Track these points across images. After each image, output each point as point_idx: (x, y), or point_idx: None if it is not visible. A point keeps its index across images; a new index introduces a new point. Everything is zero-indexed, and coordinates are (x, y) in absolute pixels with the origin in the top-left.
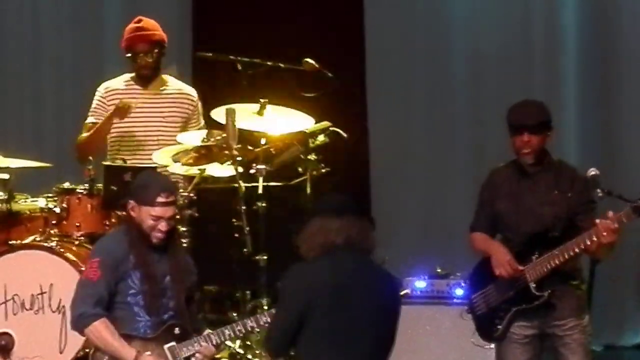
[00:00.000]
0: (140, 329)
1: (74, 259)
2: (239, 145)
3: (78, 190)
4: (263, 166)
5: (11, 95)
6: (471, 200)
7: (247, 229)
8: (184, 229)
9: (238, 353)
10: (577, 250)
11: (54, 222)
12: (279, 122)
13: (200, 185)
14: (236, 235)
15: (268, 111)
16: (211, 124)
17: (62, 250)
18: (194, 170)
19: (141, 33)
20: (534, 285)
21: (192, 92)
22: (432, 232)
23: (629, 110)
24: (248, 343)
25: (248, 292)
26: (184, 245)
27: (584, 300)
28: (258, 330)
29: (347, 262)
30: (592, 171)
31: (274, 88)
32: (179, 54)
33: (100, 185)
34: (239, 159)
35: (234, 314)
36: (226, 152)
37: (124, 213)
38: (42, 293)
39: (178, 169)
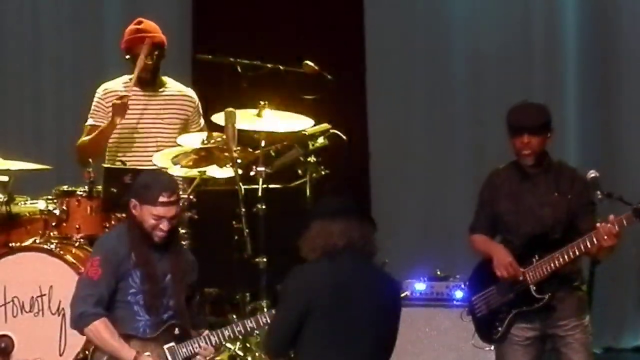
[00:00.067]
0: (140, 328)
1: (74, 261)
2: (239, 148)
3: (78, 193)
4: (263, 168)
5: (11, 96)
6: (471, 201)
7: (247, 231)
8: (183, 231)
9: (238, 355)
10: (577, 252)
11: (53, 224)
12: (279, 123)
13: (200, 188)
14: (236, 237)
15: (267, 114)
16: (211, 127)
17: (61, 252)
18: (193, 172)
19: (141, 35)
20: (534, 287)
21: (192, 93)
22: (432, 234)
23: (629, 110)
24: (248, 345)
25: (248, 294)
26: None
27: (585, 301)
28: (257, 332)
29: (347, 264)
30: (592, 173)
31: (273, 90)
32: (178, 56)
33: (100, 187)
34: (238, 161)
35: (234, 316)
36: (226, 153)
37: (123, 215)
38: (41, 295)
39: (178, 171)
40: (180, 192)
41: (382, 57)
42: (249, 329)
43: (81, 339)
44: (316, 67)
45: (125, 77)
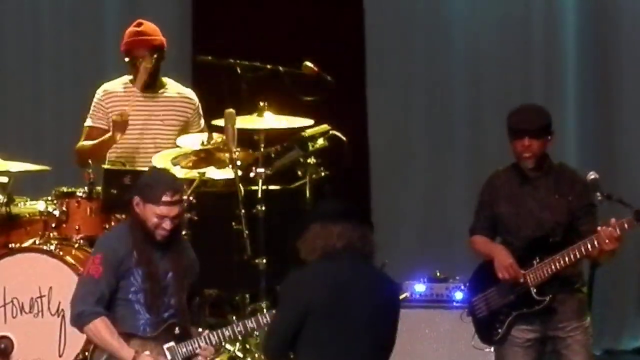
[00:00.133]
0: (140, 327)
1: (73, 262)
2: (239, 149)
3: (77, 194)
4: (263, 170)
5: (11, 97)
6: (471, 202)
7: (247, 232)
8: (183, 232)
9: (237, 356)
10: (578, 255)
11: (53, 225)
12: (279, 124)
13: (200, 189)
14: (235, 238)
15: (267, 116)
16: (212, 129)
17: (61, 253)
18: (193, 174)
19: (141, 38)
20: (534, 290)
21: (192, 95)
22: (432, 235)
23: (629, 111)
24: (247, 346)
25: (247, 295)
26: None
27: (585, 303)
28: (257, 333)
29: (346, 265)
30: (592, 175)
31: (273, 91)
32: (178, 57)
33: (99, 189)
34: (238, 163)
35: (234, 318)
36: (226, 154)
37: (123, 216)
38: (41, 296)
39: (177, 172)
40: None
41: (382, 57)
42: (249, 329)
43: (81, 340)
44: (316, 69)
45: (125, 78)
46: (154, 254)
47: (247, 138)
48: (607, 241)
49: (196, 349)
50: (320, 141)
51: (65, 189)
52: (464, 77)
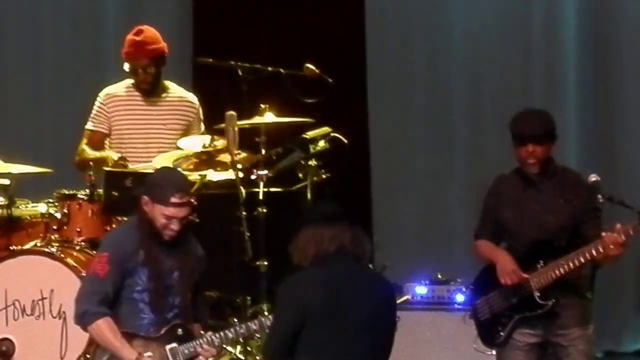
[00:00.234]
0: (144, 326)
1: (75, 264)
2: (240, 151)
3: (79, 196)
4: (264, 172)
5: (11, 99)
6: (472, 204)
7: (248, 234)
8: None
9: (238, 358)
10: (582, 260)
11: (54, 227)
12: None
13: (201, 191)
14: (236, 240)
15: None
16: (213, 133)
17: (62, 255)
18: (194, 176)
19: (141, 48)
20: (538, 293)
21: (193, 98)
22: (433, 238)
23: (630, 111)
24: (249, 349)
25: (248, 297)
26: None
27: (589, 309)
28: (259, 336)
29: (341, 270)
30: (593, 177)
31: (274, 93)
32: (179, 59)
33: (101, 191)
34: (239, 166)
35: (235, 320)
36: (227, 156)
37: (124, 219)
38: (42, 299)
39: None
40: None
41: (382, 58)
42: (252, 331)
43: (82, 342)
44: (317, 71)
45: (128, 82)
46: (161, 253)
47: (248, 140)
48: (611, 247)
49: (199, 350)
50: (322, 143)
51: (66, 191)
52: (464, 77)
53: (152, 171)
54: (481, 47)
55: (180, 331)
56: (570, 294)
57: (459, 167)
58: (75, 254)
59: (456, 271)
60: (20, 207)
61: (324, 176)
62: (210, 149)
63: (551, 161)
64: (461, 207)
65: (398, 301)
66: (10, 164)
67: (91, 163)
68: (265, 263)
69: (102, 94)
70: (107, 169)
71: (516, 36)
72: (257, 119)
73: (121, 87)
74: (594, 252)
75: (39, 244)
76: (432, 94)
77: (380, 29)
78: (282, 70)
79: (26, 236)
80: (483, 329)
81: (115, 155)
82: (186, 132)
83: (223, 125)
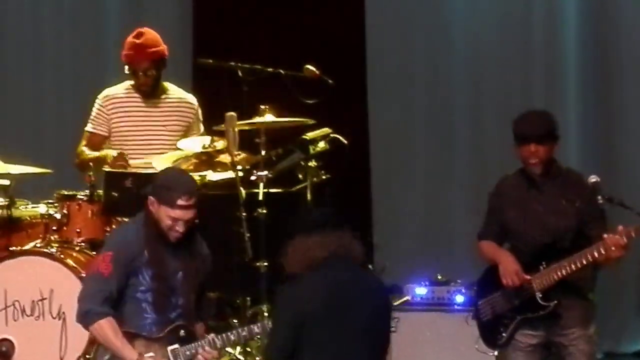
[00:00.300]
0: (146, 326)
1: (74, 265)
2: (240, 152)
3: (79, 196)
4: (264, 172)
5: (11, 100)
6: (472, 205)
7: (248, 235)
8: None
9: (238, 359)
10: (584, 262)
11: (54, 228)
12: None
13: (201, 191)
14: (236, 241)
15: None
16: (212, 134)
17: (62, 256)
18: (194, 177)
19: (141, 51)
20: (540, 295)
21: (193, 99)
22: (433, 238)
23: (630, 111)
24: (248, 349)
25: (248, 298)
26: None
27: (592, 310)
28: (260, 337)
29: (335, 274)
30: (593, 178)
31: (274, 94)
32: (179, 60)
33: (100, 191)
34: (239, 167)
35: (235, 321)
36: (227, 157)
37: (124, 219)
38: (42, 299)
39: None
40: None
41: (382, 58)
42: (254, 334)
43: (82, 342)
44: (317, 72)
45: (127, 83)
46: (165, 254)
47: (247, 141)
48: (613, 248)
49: (200, 352)
50: (321, 144)
51: (66, 192)
52: (464, 77)
53: (151, 171)
54: (481, 47)
55: (182, 332)
56: (572, 295)
57: (459, 167)
58: (74, 254)
59: (456, 272)
60: (20, 207)
61: (324, 177)
62: (210, 149)
63: (554, 162)
64: (461, 207)
65: (397, 302)
66: (10, 164)
67: (91, 164)
68: (265, 264)
69: (101, 95)
70: (107, 169)
71: (516, 36)
72: (257, 120)
73: (120, 89)
74: (595, 253)
75: (38, 245)
76: (432, 94)
77: (380, 29)
78: (282, 71)
79: (26, 237)
80: (485, 330)
81: (114, 152)
82: (186, 133)
83: (223, 126)
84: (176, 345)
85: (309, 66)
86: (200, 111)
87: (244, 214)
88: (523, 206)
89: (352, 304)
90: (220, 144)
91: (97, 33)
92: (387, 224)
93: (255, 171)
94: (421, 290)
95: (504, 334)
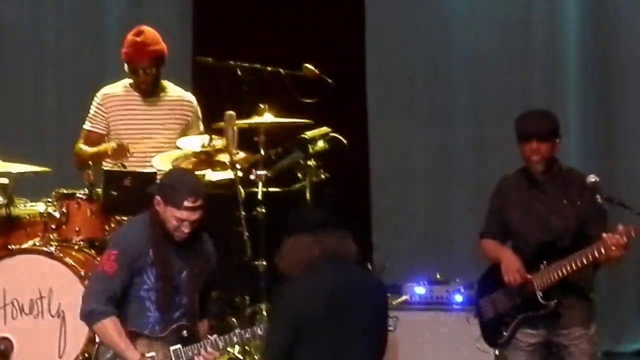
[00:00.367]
0: (149, 324)
1: (73, 263)
2: (239, 151)
3: (78, 195)
4: (263, 172)
5: (11, 98)
6: (472, 204)
7: (247, 234)
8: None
9: (237, 358)
10: (585, 261)
11: (53, 226)
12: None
13: None
14: (235, 240)
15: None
16: (212, 132)
17: (61, 255)
18: None
19: (141, 49)
20: (540, 294)
21: (192, 98)
22: (432, 238)
23: (631, 110)
24: (247, 348)
25: (247, 297)
26: None
27: (592, 310)
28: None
29: (335, 275)
30: (592, 178)
31: (273, 93)
32: (179, 59)
33: (99, 190)
34: (238, 166)
35: (234, 320)
36: (226, 156)
37: (123, 218)
38: (41, 298)
39: None
40: None
41: (382, 58)
42: (257, 335)
43: (81, 341)
44: (316, 71)
45: (126, 81)
46: (170, 254)
47: (247, 140)
48: (613, 248)
49: (202, 353)
50: (321, 143)
51: (65, 191)
52: (464, 77)
53: (150, 170)
54: (481, 47)
55: (185, 332)
56: (573, 295)
57: (459, 167)
58: (74, 253)
59: (455, 271)
60: (19, 206)
61: (323, 176)
62: (209, 148)
63: (555, 161)
64: (461, 207)
65: (396, 302)
66: (9, 163)
67: (90, 162)
68: (264, 263)
69: (99, 94)
70: (106, 168)
71: (516, 36)
72: (256, 119)
73: (119, 87)
74: (595, 253)
75: (37, 243)
76: (432, 94)
77: (380, 29)
78: (281, 71)
79: (25, 235)
80: (486, 329)
81: (113, 143)
82: (185, 131)
83: (222, 124)
84: (178, 346)
85: (308, 65)
86: (199, 109)
87: (243, 213)
88: (524, 206)
89: (352, 304)
90: (219, 143)
91: (97, 33)
92: (386, 223)
93: (254, 170)
94: (420, 290)
95: (505, 333)
